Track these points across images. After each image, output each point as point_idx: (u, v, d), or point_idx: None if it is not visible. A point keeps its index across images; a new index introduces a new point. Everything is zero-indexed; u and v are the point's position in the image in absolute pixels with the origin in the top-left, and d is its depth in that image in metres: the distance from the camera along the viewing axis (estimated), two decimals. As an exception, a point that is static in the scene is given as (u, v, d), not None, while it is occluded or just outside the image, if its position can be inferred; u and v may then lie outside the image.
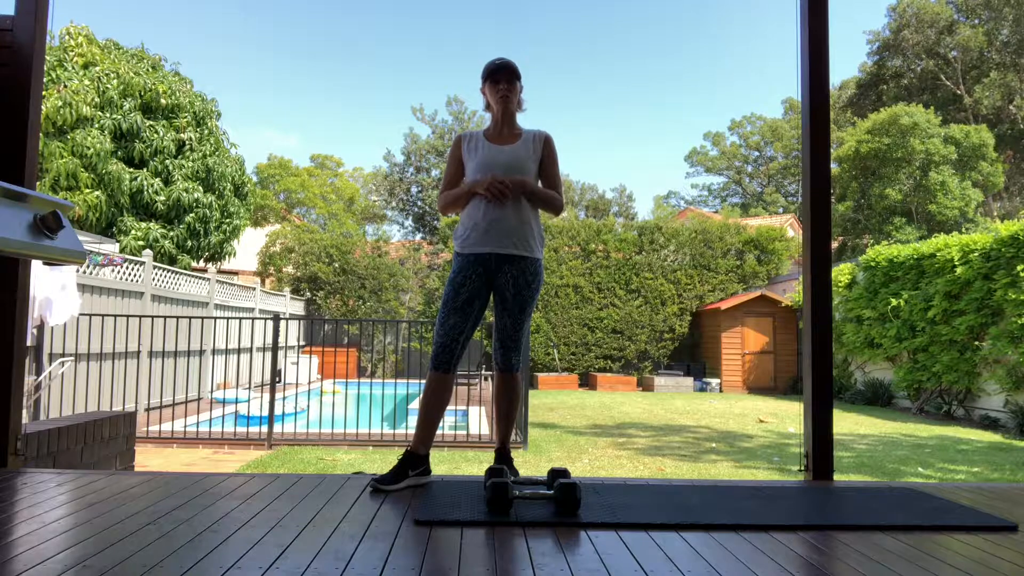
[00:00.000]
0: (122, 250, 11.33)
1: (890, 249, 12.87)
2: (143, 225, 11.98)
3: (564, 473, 2.72)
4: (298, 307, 17.86)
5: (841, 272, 14.10)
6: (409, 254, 21.04)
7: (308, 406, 8.63)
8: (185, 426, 7.64)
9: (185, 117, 13.06)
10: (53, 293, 6.20)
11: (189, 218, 12.56)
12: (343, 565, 1.87)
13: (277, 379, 7.75)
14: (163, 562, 1.87)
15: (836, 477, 3.25)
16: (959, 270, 10.74)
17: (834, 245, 25.21)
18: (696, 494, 2.83)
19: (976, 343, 10.67)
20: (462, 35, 58.00)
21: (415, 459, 2.86)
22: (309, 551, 1.98)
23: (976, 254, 10.49)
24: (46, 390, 7.17)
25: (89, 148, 11.07)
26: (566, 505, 2.40)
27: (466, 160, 3.10)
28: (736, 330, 16.33)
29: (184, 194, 12.32)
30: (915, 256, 12.04)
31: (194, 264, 13.30)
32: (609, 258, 17.74)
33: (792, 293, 16.16)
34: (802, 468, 3.34)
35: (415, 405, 10.40)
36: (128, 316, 8.50)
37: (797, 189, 40.51)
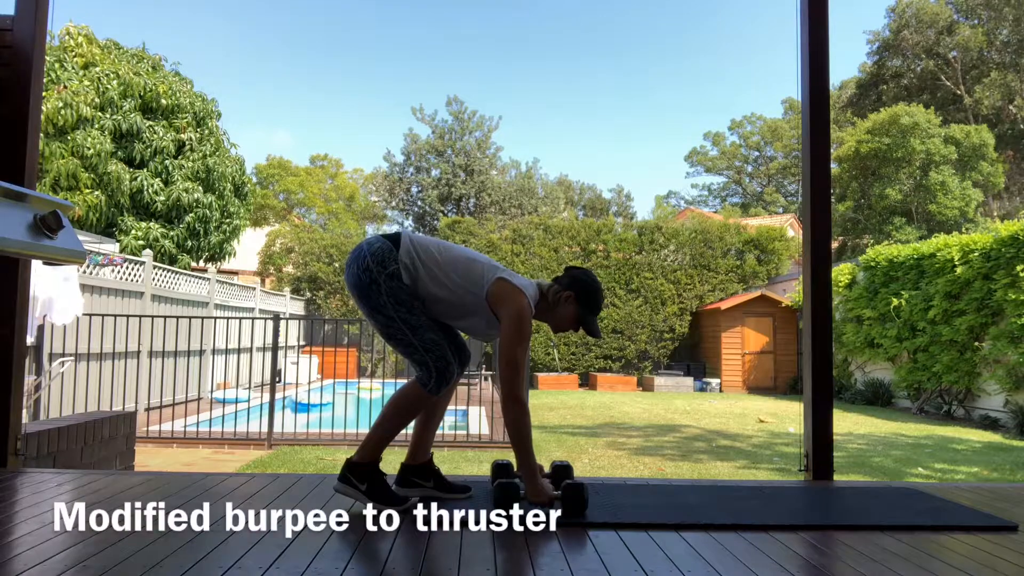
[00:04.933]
0: (122, 250, 11.33)
1: (890, 249, 12.87)
2: (143, 225, 11.98)
3: (567, 469, 2.71)
4: (298, 307, 17.85)
5: (841, 272, 14.10)
6: (409, 254, 20.97)
7: (333, 400, 8.67)
8: (185, 426, 7.63)
9: (185, 117, 13.06)
10: (56, 291, 6.20)
11: (189, 218, 12.56)
12: (343, 565, 1.87)
13: (277, 379, 7.75)
14: (163, 562, 1.87)
15: (836, 477, 3.25)
16: (959, 270, 10.73)
17: (834, 245, 25.20)
18: (696, 494, 2.83)
19: (976, 343, 10.67)
20: (462, 33, 58.00)
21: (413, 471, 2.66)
22: (309, 551, 1.98)
23: (976, 254, 10.49)
24: (46, 390, 7.17)
25: (89, 148, 11.07)
26: (573, 506, 2.39)
27: None
28: (736, 330, 16.32)
29: (184, 194, 12.33)
30: (915, 256, 12.04)
31: (194, 264, 13.30)
32: (609, 258, 17.73)
33: (792, 293, 16.16)
34: (802, 468, 3.34)
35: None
36: (128, 316, 8.50)
37: (797, 189, 40.50)
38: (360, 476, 2.44)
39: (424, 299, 2.51)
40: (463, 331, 2.68)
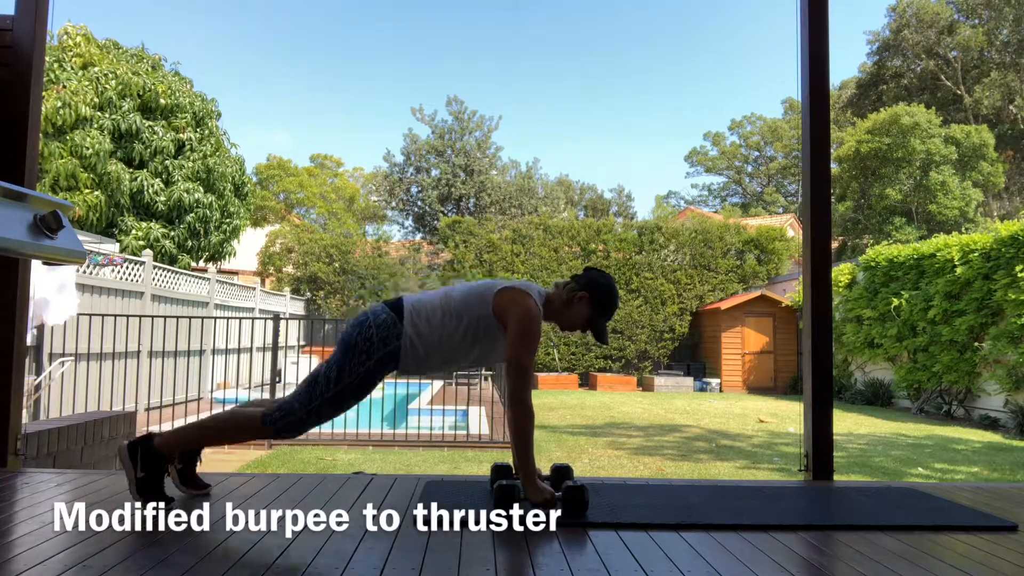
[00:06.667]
0: (122, 250, 11.33)
1: (890, 249, 12.87)
2: (143, 225, 11.98)
3: (567, 471, 2.71)
4: (298, 307, 17.85)
5: (841, 272, 14.10)
6: (409, 254, 21.04)
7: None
8: (185, 426, 7.61)
9: (184, 117, 13.05)
10: (50, 293, 6.21)
11: (189, 218, 12.56)
12: (343, 565, 1.87)
13: (277, 379, 7.75)
14: (163, 562, 1.87)
15: (836, 477, 3.25)
16: (959, 270, 10.73)
17: (834, 245, 25.21)
18: (696, 494, 2.83)
19: (976, 343, 10.67)
20: (462, 33, 58.00)
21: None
22: (309, 551, 1.98)
23: (976, 254, 10.49)
24: (46, 390, 7.17)
25: (88, 148, 11.07)
26: (574, 508, 2.39)
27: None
28: (736, 330, 16.32)
29: (185, 194, 12.32)
30: (915, 256, 12.04)
31: (194, 264, 13.30)
32: (609, 258, 17.73)
33: (792, 293, 16.16)
34: (802, 468, 3.34)
35: (415, 405, 10.40)
36: (128, 316, 8.51)
37: (797, 189, 40.51)
38: (147, 460, 2.37)
39: (446, 355, 2.49)
40: (494, 362, 2.67)
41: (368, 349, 2.40)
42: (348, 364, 2.40)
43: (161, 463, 2.40)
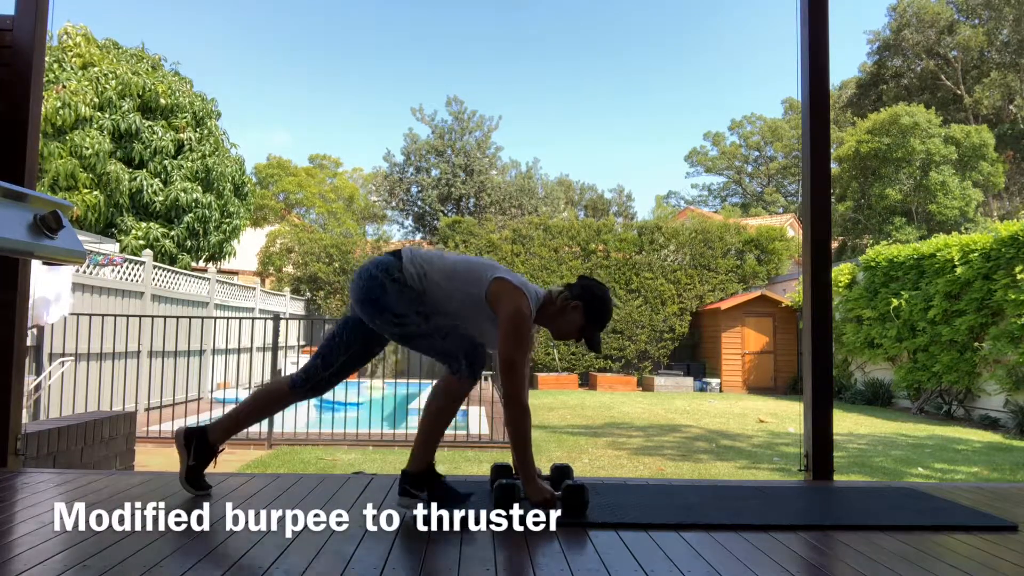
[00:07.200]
0: (122, 250, 11.33)
1: (890, 249, 12.86)
2: (143, 225, 11.98)
3: (567, 470, 2.71)
4: (298, 307, 17.85)
5: (841, 272, 14.09)
6: (409, 254, 20.88)
7: (359, 402, 8.64)
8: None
9: (184, 117, 13.05)
10: (47, 293, 6.22)
11: (188, 218, 12.56)
12: (343, 565, 1.87)
13: (277, 379, 7.74)
14: (163, 562, 1.87)
15: (836, 477, 3.25)
16: (959, 270, 10.73)
17: (834, 245, 25.19)
18: (696, 494, 2.83)
19: (976, 343, 10.66)
20: (462, 33, 57.99)
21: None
22: (309, 551, 1.98)
23: (976, 254, 10.49)
24: (46, 390, 7.17)
25: (88, 148, 11.07)
26: (574, 508, 2.39)
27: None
28: (736, 330, 16.32)
29: (183, 194, 12.32)
30: (915, 256, 12.03)
31: (194, 264, 13.30)
32: (609, 258, 17.73)
33: (792, 293, 16.15)
34: (802, 468, 3.34)
35: (415, 405, 10.38)
36: (128, 316, 8.50)
37: (797, 189, 40.50)
38: (200, 450, 2.58)
39: (434, 309, 2.49)
40: (480, 339, 2.65)
41: (381, 282, 2.44)
42: (381, 303, 2.43)
43: (210, 454, 2.61)
